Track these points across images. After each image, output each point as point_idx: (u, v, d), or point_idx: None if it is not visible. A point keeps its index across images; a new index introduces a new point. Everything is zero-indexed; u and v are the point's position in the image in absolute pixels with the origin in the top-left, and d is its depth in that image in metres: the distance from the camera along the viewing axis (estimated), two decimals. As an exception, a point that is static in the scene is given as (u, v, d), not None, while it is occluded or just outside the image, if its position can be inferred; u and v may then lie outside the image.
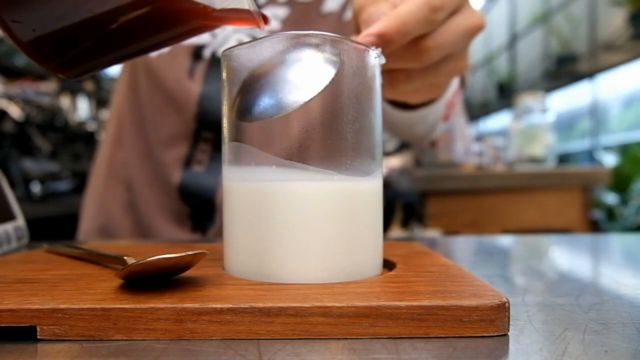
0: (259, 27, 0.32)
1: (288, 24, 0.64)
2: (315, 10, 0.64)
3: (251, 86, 0.29)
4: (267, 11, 0.64)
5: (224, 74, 0.31)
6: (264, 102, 0.28)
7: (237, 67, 0.30)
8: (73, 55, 0.30)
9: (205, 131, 0.64)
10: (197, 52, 0.64)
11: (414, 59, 0.36)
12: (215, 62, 0.64)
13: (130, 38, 0.30)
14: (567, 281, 0.36)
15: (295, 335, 0.23)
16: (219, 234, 0.65)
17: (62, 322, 0.23)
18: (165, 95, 0.65)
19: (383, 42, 0.33)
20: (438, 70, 0.39)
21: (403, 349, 0.22)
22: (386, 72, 0.32)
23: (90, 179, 0.77)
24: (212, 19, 0.30)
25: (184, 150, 0.65)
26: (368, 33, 0.33)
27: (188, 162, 0.65)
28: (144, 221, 0.68)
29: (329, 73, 0.28)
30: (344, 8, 0.64)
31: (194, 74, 0.64)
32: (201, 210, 0.65)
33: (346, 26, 0.63)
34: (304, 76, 0.28)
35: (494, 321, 0.23)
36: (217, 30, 0.64)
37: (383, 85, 0.34)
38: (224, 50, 0.31)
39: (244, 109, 0.29)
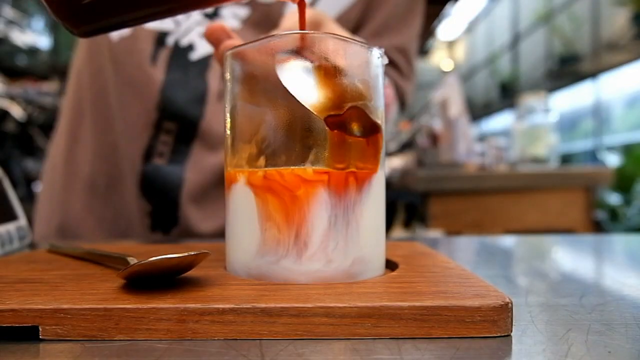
0: (293, 1, 0.32)
1: (249, 24, 0.63)
2: (277, 11, 0.63)
3: (257, 88, 0.29)
4: (228, 10, 0.63)
5: (227, 74, 0.31)
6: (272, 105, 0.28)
7: (242, 67, 0.30)
8: (91, 7, 0.29)
9: (167, 122, 0.62)
10: (160, 39, 0.62)
11: None
12: (178, 50, 0.62)
13: None
14: (570, 282, 0.36)
15: (298, 336, 0.23)
16: (184, 234, 0.63)
17: (65, 322, 0.23)
18: (127, 82, 0.62)
19: None
20: None
21: (405, 349, 0.21)
22: None
23: (44, 176, 0.73)
24: None
25: (144, 142, 0.62)
26: None
27: (148, 154, 0.62)
28: (106, 220, 0.65)
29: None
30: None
31: (157, 60, 0.62)
32: (163, 207, 0.62)
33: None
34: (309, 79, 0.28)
35: (496, 322, 0.23)
36: (181, 19, 0.62)
37: None
38: (229, 51, 0.31)
39: (247, 110, 0.29)
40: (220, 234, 0.63)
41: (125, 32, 0.62)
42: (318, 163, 0.27)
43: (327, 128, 0.28)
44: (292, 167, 0.27)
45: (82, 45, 0.70)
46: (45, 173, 0.73)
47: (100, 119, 0.66)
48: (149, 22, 0.33)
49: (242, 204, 0.29)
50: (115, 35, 0.62)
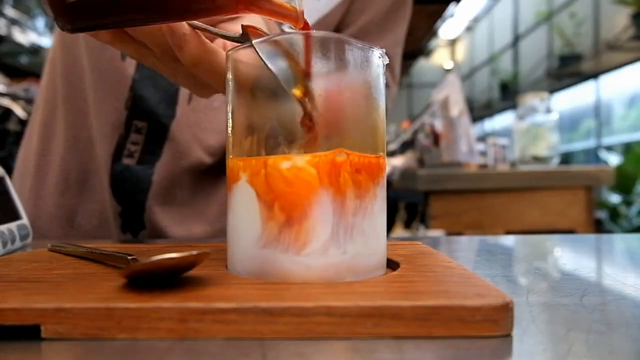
0: (295, 26, 0.32)
1: None
2: None
3: (258, 85, 0.29)
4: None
5: (230, 74, 0.31)
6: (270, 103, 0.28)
7: (244, 67, 0.30)
8: (87, 3, 0.29)
9: (137, 120, 0.60)
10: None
11: None
12: None
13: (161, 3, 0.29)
14: (570, 281, 0.36)
15: (299, 335, 0.23)
16: (151, 236, 0.62)
17: (66, 321, 0.23)
18: (100, 77, 0.61)
19: None
20: None
21: (406, 349, 0.21)
22: None
23: (15, 170, 0.71)
24: (255, 6, 0.30)
25: (115, 140, 0.61)
26: None
27: (119, 153, 0.60)
28: (77, 217, 0.64)
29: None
30: None
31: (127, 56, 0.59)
32: (131, 209, 0.61)
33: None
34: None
35: (497, 321, 0.23)
36: None
37: None
38: (230, 50, 0.31)
39: (250, 110, 0.30)
40: (191, 240, 0.62)
41: None
42: (317, 153, 0.27)
43: (328, 119, 0.28)
44: (291, 161, 0.27)
45: (57, 35, 0.67)
46: (17, 167, 0.72)
47: (74, 112, 0.64)
48: (145, 24, 0.33)
49: (243, 202, 0.29)
50: None
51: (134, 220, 0.62)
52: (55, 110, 0.66)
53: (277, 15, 0.31)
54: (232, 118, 0.31)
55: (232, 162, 0.30)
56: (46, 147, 0.66)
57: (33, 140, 0.69)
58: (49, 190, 0.65)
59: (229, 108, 0.31)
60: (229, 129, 0.31)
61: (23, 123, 2.02)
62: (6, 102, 1.95)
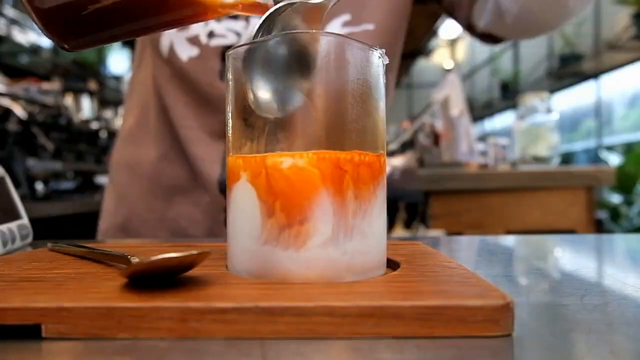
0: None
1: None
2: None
3: (257, 86, 0.29)
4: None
5: (229, 74, 0.31)
6: (270, 101, 0.29)
7: (243, 66, 0.30)
8: (82, 23, 0.30)
9: None
10: (225, 54, 0.63)
11: None
12: None
13: (140, 14, 0.30)
14: (571, 281, 0.36)
15: (299, 335, 0.23)
16: None
17: (67, 320, 0.23)
18: (200, 97, 0.65)
19: None
20: None
21: (407, 348, 0.21)
22: None
23: (109, 173, 0.77)
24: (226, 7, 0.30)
25: (220, 148, 0.65)
26: None
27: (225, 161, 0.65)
28: (167, 219, 0.68)
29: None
30: None
31: (225, 76, 0.64)
32: None
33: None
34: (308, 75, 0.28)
35: (498, 321, 0.23)
36: (241, 30, 0.63)
37: None
38: (229, 51, 0.31)
39: (250, 109, 0.30)
40: None
41: (193, 52, 0.64)
42: (317, 151, 0.27)
43: (327, 117, 0.28)
44: (292, 160, 0.27)
45: (145, 62, 0.71)
46: (110, 171, 0.76)
47: (164, 127, 0.68)
48: (140, 35, 0.33)
49: (244, 202, 0.29)
50: (184, 56, 0.64)
51: None
52: (148, 125, 0.70)
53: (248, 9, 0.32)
54: (231, 116, 0.31)
55: (231, 159, 0.30)
56: (136, 158, 0.70)
57: (125, 153, 0.73)
58: (140, 195, 0.69)
59: (229, 108, 0.31)
60: (229, 127, 0.31)
61: (22, 123, 2.02)
62: (6, 102, 1.94)
